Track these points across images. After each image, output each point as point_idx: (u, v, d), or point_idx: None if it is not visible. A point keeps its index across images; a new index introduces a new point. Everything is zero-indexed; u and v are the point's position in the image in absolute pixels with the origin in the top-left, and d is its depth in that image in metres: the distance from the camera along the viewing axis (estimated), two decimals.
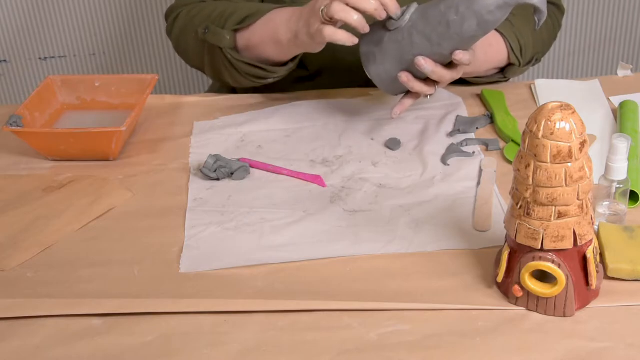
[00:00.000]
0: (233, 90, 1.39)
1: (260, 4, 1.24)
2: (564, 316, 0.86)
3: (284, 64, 1.23)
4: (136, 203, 1.09)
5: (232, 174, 1.12)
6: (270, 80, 1.25)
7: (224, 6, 1.23)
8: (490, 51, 1.23)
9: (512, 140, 1.16)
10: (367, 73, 1.14)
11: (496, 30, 1.21)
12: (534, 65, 1.32)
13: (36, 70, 2.25)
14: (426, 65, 1.07)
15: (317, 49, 1.14)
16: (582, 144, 0.81)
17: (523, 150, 0.83)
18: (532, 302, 0.87)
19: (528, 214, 0.84)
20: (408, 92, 1.15)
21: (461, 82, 1.27)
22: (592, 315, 0.87)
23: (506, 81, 1.32)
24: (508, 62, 1.26)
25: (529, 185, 0.83)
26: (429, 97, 1.15)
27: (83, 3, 2.15)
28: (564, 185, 0.81)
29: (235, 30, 1.20)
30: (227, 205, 1.07)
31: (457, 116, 1.24)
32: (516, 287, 0.87)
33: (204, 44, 1.23)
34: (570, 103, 0.81)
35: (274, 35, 1.17)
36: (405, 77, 1.10)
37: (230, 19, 1.20)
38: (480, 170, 0.97)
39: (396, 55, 1.10)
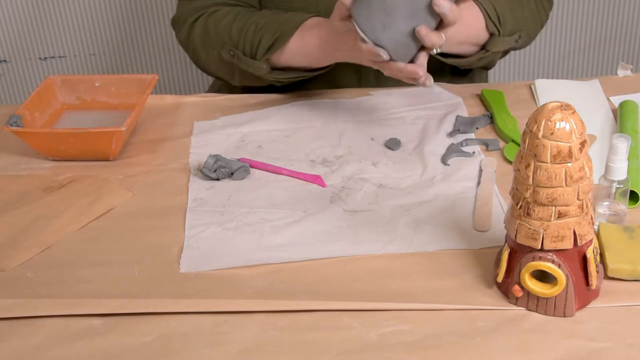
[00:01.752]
0: (233, 90, 1.39)
1: (279, 16, 1.23)
2: (564, 316, 0.86)
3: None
4: (136, 203, 1.09)
5: (232, 174, 1.12)
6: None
7: (242, 23, 1.23)
8: (467, 16, 1.17)
9: (512, 140, 1.16)
10: (378, 44, 1.08)
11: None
12: (517, 44, 1.27)
13: (36, 70, 2.25)
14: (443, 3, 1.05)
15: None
16: (582, 144, 0.81)
17: (523, 150, 0.83)
18: (532, 302, 0.87)
19: (528, 214, 0.84)
20: (420, 51, 1.11)
21: (455, 71, 1.27)
22: (592, 315, 0.87)
23: (491, 58, 1.27)
24: (488, 34, 1.22)
25: (529, 185, 0.83)
26: (435, 51, 1.11)
27: (83, 3, 2.15)
28: (564, 185, 0.81)
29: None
30: (227, 205, 1.07)
31: (457, 116, 1.24)
32: (516, 287, 0.87)
33: (233, 64, 1.25)
34: (570, 103, 0.81)
35: (307, 57, 1.20)
36: (424, 30, 1.06)
37: (260, 47, 1.21)
38: (480, 170, 0.97)
39: (406, 9, 1.06)
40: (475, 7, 1.20)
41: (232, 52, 1.23)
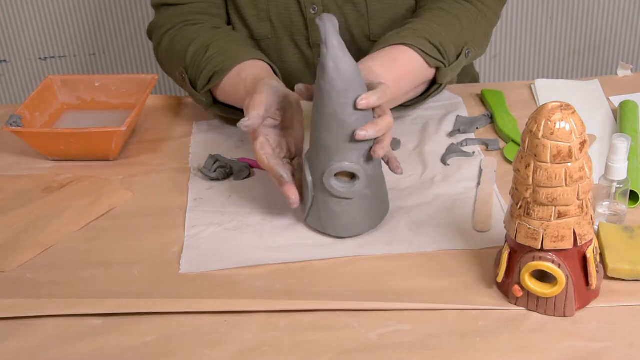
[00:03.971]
0: None
1: (231, 47, 1.17)
2: (564, 316, 0.86)
3: None
4: (136, 203, 1.09)
5: (232, 174, 1.12)
6: None
7: (198, 47, 1.18)
8: (399, 65, 1.11)
9: (512, 140, 1.16)
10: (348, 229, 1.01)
11: (402, 43, 1.12)
12: (471, 58, 1.21)
13: (36, 70, 2.25)
14: (367, 132, 0.93)
15: None
16: (582, 144, 0.81)
17: (523, 150, 0.83)
18: (532, 302, 0.87)
19: (528, 214, 0.84)
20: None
21: (404, 106, 1.19)
22: (592, 315, 0.87)
23: (441, 90, 1.21)
24: (433, 69, 1.16)
25: (529, 185, 0.83)
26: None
27: (83, 3, 2.15)
28: (564, 185, 0.81)
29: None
30: (227, 205, 1.07)
31: (457, 116, 1.24)
32: (516, 287, 0.87)
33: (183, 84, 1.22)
34: (570, 103, 0.81)
35: (237, 99, 1.13)
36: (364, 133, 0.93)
37: (200, 78, 1.16)
38: (480, 170, 0.97)
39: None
40: (409, 50, 1.12)
41: (183, 75, 1.20)
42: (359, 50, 1.26)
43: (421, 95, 1.21)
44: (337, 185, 0.97)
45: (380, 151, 0.95)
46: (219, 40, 1.19)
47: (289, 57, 1.29)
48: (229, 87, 1.15)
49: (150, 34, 1.31)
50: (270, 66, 1.16)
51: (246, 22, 1.27)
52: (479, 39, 1.23)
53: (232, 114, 1.20)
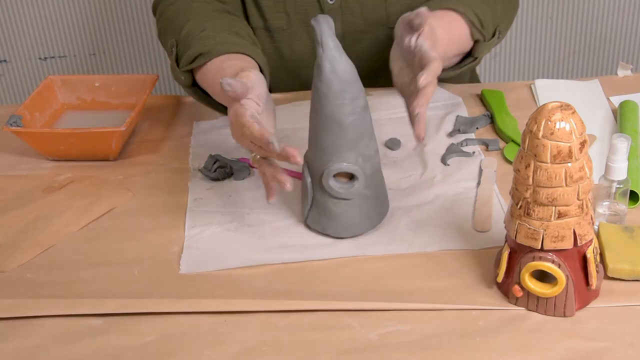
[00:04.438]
0: None
1: (225, 36, 1.15)
2: (564, 316, 0.86)
3: None
4: (136, 203, 1.09)
5: (232, 174, 1.12)
6: None
7: (196, 24, 1.16)
8: (453, 29, 1.16)
9: (512, 140, 1.16)
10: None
11: (453, 9, 1.17)
12: (498, 40, 1.26)
13: (36, 70, 2.25)
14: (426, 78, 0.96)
15: None
16: (582, 144, 0.81)
17: (523, 150, 0.83)
18: (532, 302, 0.87)
19: (528, 214, 0.84)
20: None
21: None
22: (592, 315, 0.87)
23: (475, 64, 1.26)
24: (472, 41, 1.20)
25: (529, 185, 0.83)
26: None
27: (83, 3, 2.15)
28: (564, 185, 0.81)
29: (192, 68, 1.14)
30: (227, 205, 1.07)
31: (457, 116, 1.24)
32: (516, 287, 0.87)
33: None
34: (570, 103, 0.81)
35: (212, 88, 1.11)
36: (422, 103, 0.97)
37: (185, 55, 1.13)
38: (480, 170, 0.97)
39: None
40: (459, 17, 1.17)
41: (172, 48, 1.17)
42: (375, 37, 1.26)
43: (456, 65, 1.23)
44: (336, 186, 0.97)
45: (426, 98, 0.98)
46: (218, 25, 1.17)
47: (301, 49, 1.29)
48: (210, 73, 1.11)
49: (155, 6, 1.29)
50: (260, 67, 1.12)
51: (262, 12, 1.27)
52: (507, 25, 1.28)
53: (205, 101, 1.18)
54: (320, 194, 0.98)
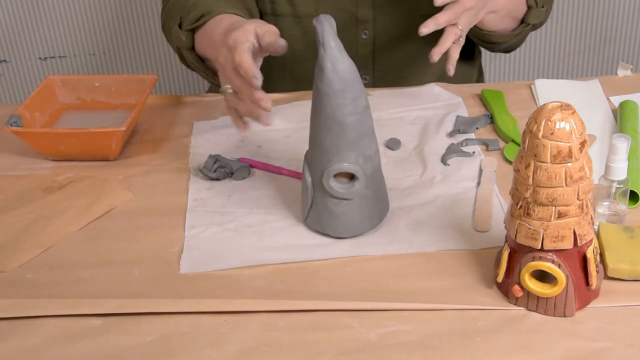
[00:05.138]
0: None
1: (225, 5, 1.17)
2: (564, 316, 0.86)
3: None
4: (136, 203, 1.09)
5: (232, 174, 1.12)
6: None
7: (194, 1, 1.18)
8: None
9: (512, 140, 1.16)
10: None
11: None
12: (546, 13, 1.32)
13: (36, 70, 2.25)
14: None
15: None
16: (582, 144, 0.81)
17: (523, 150, 0.83)
18: (532, 302, 0.87)
19: (528, 214, 0.84)
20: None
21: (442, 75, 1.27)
22: (592, 315, 0.87)
23: (529, 30, 1.31)
24: (526, 7, 1.27)
25: (529, 185, 0.83)
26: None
27: (83, 3, 2.15)
28: (564, 185, 0.81)
29: (194, 30, 1.16)
30: (227, 205, 1.07)
31: (457, 116, 1.24)
32: (516, 287, 0.87)
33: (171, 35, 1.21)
34: (570, 103, 0.81)
35: (211, 48, 1.12)
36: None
37: (187, 17, 1.15)
38: (480, 170, 0.97)
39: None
40: None
41: (176, 21, 1.18)
42: (407, 22, 1.27)
43: (510, 31, 1.29)
44: (337, 186, 0.97)
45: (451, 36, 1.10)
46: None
47: None
48: (208, 31, 1.12)
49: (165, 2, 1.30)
50: None
51: None
52: (551, 5, 1.34)
53: (201, 65, 1.19)
54: (321, 193, 0.98)
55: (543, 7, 1.29)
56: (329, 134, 0.94)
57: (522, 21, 1.29)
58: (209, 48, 1.12)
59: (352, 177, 0.97)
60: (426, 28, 1.10)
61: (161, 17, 1.30)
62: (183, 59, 1.23)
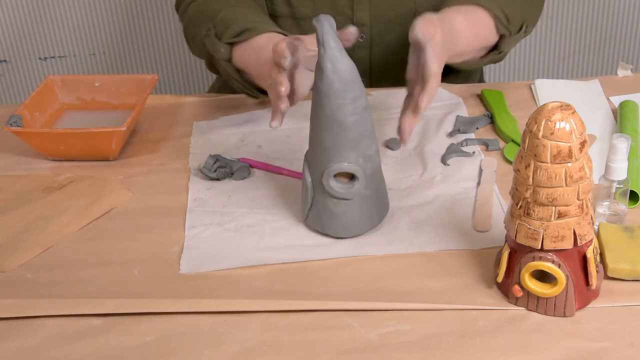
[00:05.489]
0: (233, 91, 1.39)
1: (266, 17, 1.20)
2: (564, 316, 0.86)
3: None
4: (136, 203, 1.09)
5: (232, 174, 1.12)
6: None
7: (231, 9, 1.20)
8: (477, 24, 1.18)
9: (512, 140, 1.16)
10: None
11: (479, 5, 1.18)
12: (525, 34, 1.26)
13: (36, 70, 2.25)
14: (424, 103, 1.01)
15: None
16: (582, 144, 0.81)
17: (523, 150, 0.83)
18: (532, 302, 0.87)
19: (528, 214, 0.84)
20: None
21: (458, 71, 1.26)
22: (592, 315, 0.87)
23: (500, 58, 1.27)
24: (498, 35, 1.21)
25: (529, 185, 0.83)
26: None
27: (83, 3, 2.15)
28: (564, 185, 0.81)
29: (233, 43, 1.17)
30: (227, 205, 1.07)
31: (457, 116, 1.24)
32: (516, 287, 0.87)
33: (204, 44, 1.22)
34: (570, 103, 0.81)
35: (256, 61, 1.13)
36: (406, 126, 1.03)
37: (228, 30, 1.16)
38: (480, 170, 0.97)
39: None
40: (484, 12, 1.18)
41: (208, 31, 1.18)
42: (403, 29, 1.26)
43: (480, 58, 1.24)
44: (337, 186, 0.97)
45: (422, 105, 1.01)
46: (253, 11, 1.21)
47: None
48: (255, 47, 1.14)
49: (179, 3, 1.30)
50: None
51: (290, 1, 1.27)
52: (534, 19, 1.28)
53: (238, 77, 1.19)
54: (321, 193, 0.98)
55: (521, 29, 1.23)
56: (329, 134, 0.94)
57: (495, 47, 1.24)
58: (256, 66, 1.13)
59: (352, 177, 0.97)
60: (408, 138, 1.05)
61: (183, 19, 1.29)
62: (211, 66, 1.24)
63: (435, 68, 1.02)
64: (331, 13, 1.22)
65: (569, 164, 0.81)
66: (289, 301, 0.90)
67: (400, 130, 1.04)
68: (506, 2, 1.21)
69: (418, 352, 0.83)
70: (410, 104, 1.04)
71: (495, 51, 1.24)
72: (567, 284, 0.85)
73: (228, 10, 1.20)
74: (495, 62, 1.28)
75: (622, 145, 0.93)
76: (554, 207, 0.83)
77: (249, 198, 1.08)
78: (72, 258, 0.99)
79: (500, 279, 0.89)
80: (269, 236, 1.01)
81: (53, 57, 2.23)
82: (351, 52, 1.29)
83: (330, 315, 0.88)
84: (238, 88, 1.23)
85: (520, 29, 1.24)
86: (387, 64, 1.33)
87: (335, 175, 0.96)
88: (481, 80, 1.50)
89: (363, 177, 0.96)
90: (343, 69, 0.92)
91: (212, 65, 1.24)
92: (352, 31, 0.99)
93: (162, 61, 2.24)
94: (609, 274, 0.90)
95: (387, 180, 1.04)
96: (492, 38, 1.21)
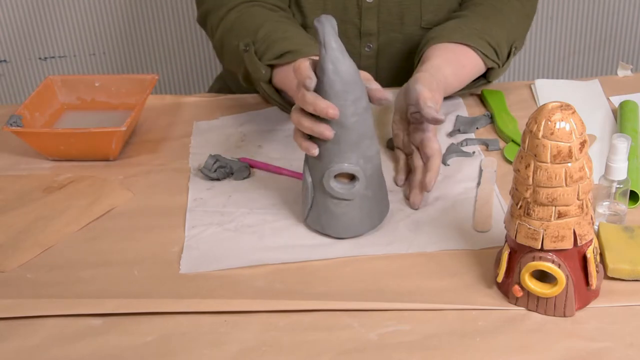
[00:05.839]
0: (233, 91, 1.39)
1: (306, 38, 1.17)
2: (564, 316, 0.86)
3: None
4: (136, 203, 1.09)
5: (232, 174, 1.12)
6: None
7: (274, 26, 1.17)
8: (464, 66, 1.19)
9: (512, 140, 1.16)
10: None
11: (463, 43, 1.18)
12: (514, 55, 1.26)
13: (36, 70, 2.25)
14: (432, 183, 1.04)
15: None
16: (582, 144, 0.81)
17: (523, 150, 0.83)
18: (532, 302, 0.87)
19: (528, 214, 0.84)
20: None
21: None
22: (592, 315, 0.87)
23: (489, 83, 1.28)
24: (486, 67, 1.23)
25: (529, 185, 0.83)
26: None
27: (83, 3, 2.15)
28: (564, 185, 0.81)
29: (273, 65, 1.15)
30: (227, 205, 1.07)
31: (457, 116, 1.24)
32: (516, 287, 0.87)
33: (243, 60, 1.18)
34: (570, 103, 0.81)
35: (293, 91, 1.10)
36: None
37: (270, 50, 1.13)
38: (480, 170, 0.97)
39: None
40: (472, 52, 1.19)
41: (247, 47, 1.17)
42: (410, 37, 1.27)
43: (466, 86, 1.25)
44: (337, 187, 0.97)
45: (429, 185, 1.04)
46: (295, 27, 1.19)
47: None
48: (292, 72, 1.08)
49: (204, 17, 1.27)
50: None
51: (302, 10, 1.27)
52: (523, 36, 1.29)
53: (277, 98, 1.18)
54: (321, 194, 0.98)
55: (510, 54, 1.24)
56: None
57: (484, 75, 1.26)
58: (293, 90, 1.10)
59: (352, 177, 0.97)
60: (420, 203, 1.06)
61: (215, 32, 1.26)
62: (248, 82, 1.22)
63: (437, 146, 1.06)
64: (339, 22, 1.22)
65: (569, 164, 0.81)
66: (289, 301, 0.90)
67: (409, 203, 1.05)
68: (493, 30, 1.21)
69: (418, 352, 0.83)
70: (416, 183, 1.06)
71: (483, 79, 1.26)
72: (567, 284, 0.85)
73: (270, 25, 1.17)
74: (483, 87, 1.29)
75: (622, 145, 0.93)
76: (554, 207, 0.83)
77: (249, 198, 1.08)
78: (72, 258, 0.99)
79: (500, 279, 0.89)
80: (269, 236, 1.01)
81: (53, 57, 2.22)
82: (358, 61, 1.30)
83: (330, 315, 0.88)
84: (278, 106, 1.21)
85: (509, 53, 1.24)
86: (393, 73, 1.33)
87: (335, 176, 0.96)
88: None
89: (363, 177, 0.96)
90: (344, 70, 0.92)
91: (248, 81, 1.22)
92: (386, 97, 0.99)
93: (162, 61, 2.24)
94: (609, 274, 0.90)
95: (387, 180, 1.04)
96: (481, 69, 1.23)
